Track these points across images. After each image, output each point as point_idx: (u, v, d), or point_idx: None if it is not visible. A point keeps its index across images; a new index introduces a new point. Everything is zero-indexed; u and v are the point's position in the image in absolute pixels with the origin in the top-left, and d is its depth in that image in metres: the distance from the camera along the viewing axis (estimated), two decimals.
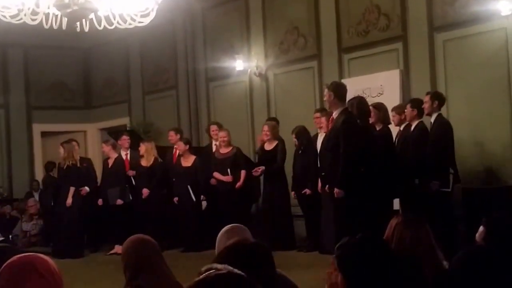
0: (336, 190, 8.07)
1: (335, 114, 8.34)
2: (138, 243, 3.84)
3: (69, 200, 11.34)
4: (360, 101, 8.64)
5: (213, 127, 11.93)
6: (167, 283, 3.58)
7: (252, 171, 10.82)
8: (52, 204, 12.25)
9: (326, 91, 8.32)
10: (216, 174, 11.16)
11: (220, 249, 3.04)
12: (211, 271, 1.94)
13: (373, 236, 2.76)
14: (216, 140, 11.64)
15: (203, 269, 1.98)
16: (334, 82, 8.74)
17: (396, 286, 2.56)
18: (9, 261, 2.64)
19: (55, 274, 2.62)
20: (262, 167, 10.68)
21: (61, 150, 11.56)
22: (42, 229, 13.48)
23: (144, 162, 11.69)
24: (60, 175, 11.81)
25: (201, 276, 1.91)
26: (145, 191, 11.49)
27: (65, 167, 11.54)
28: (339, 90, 8.26)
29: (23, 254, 2.68)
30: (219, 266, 2.00)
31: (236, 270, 1.95)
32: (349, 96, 10.60)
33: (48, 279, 2.56)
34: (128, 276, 3.72)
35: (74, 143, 12.07)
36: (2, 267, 2.63)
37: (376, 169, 8.32)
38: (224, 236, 3.94)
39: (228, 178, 11.04)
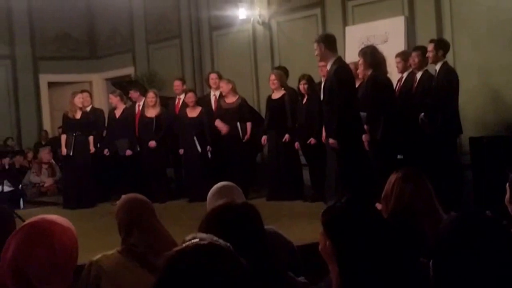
0: (330, 140, 8.03)
1: (328, 65, 8.22)
2: (129, 203, 3.84)
3: (92, 148, 11.57)
4: (373, 50, 8.42)
5: (213, 76, 11.68)
6: (161, 240, 3.58)
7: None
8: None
9: (315, 45, 8.16)
10: (217, 122, 11.04)
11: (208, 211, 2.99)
12: (193, 241, 1.88)
13: (361, 198, 2.66)
14: (216, 89, 11.53)
15: (187, 237, 1.92)
16: (322, 34, 8.65)
17: (388, 250, 2.49)
18: (32, 219, 2.61)
19: (69, 248, 2.56)
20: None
21: (76, 99, 11.53)
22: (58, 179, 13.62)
23: (150, 113, 11.58)
24: (69, 125, 11.66)
25: (181, 246, 1.85)
26: (152, 143, 11.44)
27: (73, 116, 11.48)
28: (328, 41, 8.11)
29: (50, 218, 2.63)
30: (203, 235, 1.93)
31: (219, 241, 1.87)
32: (353, 44, 10.54)
33: (57, 253, 2.51)
34: (123, 235, 3.72)
35: (85, 93, 12.11)
36: (25, 223, 2.61)
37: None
38: (213, 196, 3.94)
39: (224, 128, 10.97)
